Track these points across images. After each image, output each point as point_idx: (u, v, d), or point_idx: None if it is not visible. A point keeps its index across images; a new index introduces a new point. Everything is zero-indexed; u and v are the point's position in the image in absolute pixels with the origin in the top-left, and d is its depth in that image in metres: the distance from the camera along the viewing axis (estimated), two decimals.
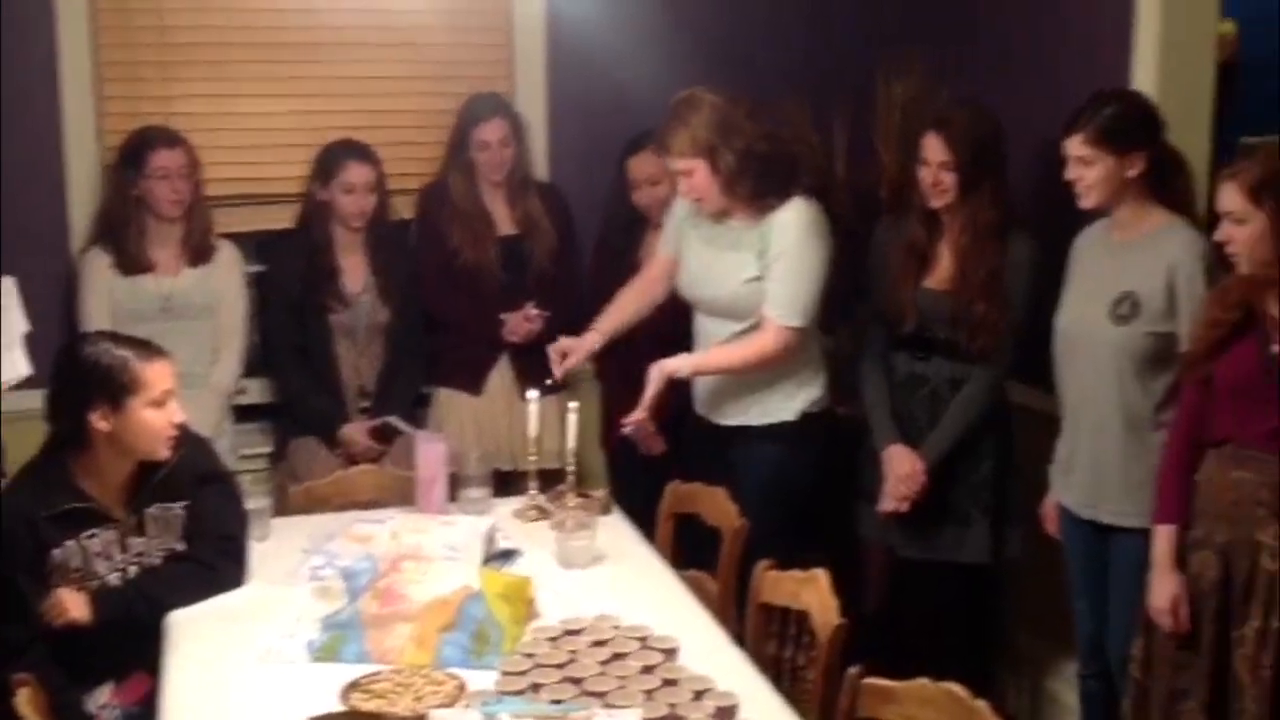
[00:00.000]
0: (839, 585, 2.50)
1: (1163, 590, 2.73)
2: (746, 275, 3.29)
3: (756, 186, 3.27)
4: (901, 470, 3.33)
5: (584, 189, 4.00)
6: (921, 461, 3.31)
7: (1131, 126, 2.90)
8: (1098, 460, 3.02)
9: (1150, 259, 2.89)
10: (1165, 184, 2.94)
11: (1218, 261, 2.75)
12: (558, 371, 3.44)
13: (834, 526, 3.56)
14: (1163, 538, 2.76)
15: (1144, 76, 3.27)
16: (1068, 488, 3.12)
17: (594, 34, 4.03)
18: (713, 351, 3.37)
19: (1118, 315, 2.91)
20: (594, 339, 3.48)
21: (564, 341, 3.46)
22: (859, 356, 3.56)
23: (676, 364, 3.32)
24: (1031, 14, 3.77)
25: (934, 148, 3.23)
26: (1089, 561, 3.11)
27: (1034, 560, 3.37)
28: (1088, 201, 2.95)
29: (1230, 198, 2.55)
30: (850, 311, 3.77)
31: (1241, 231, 2.54)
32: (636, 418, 3.29)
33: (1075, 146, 2.92)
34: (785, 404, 3.38)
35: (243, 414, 3.93)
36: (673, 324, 3.52)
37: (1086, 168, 2.92)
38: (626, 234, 3.88)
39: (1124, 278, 2.92)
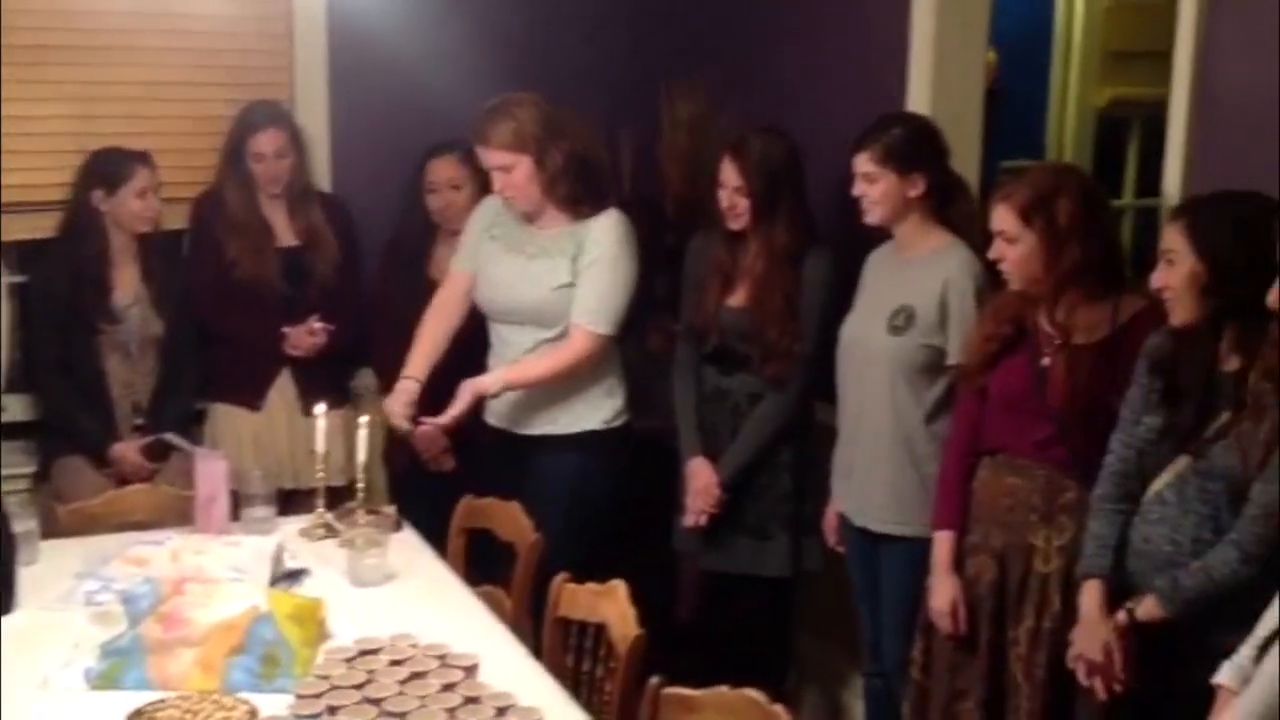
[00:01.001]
0: (654, 597, 2.52)
1: (942, 593, 2.83)
2: (558, 281, 3.30)
3: (575, 190, 3.29)
4: (699, 483, 3.38)
5: (370, 200, 3.94)
6: (718, 475, 3.36)
7: (915, 148, 3.02)
8: (870, 469, 3.11)
9: (928, 275, 3.00)
10: (946, 206, 3.06)
11: (991, 279, 2.88)
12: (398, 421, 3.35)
13: (652, 539, 3.59)
14: (942, 543, 2.86)
15: (918, 100, 3.40)
16: (844, 495, 3.22)
17: (380, 43, 3.98)
18: (522, 365, 3.35)
19: (893, 327, 3.01)
20: (410, 387, 3.37)
21: (394, 399, 3.36)
22: (653, 371, 3.60)
23: (488, 381, 3.29)
24: (812, 39, 3.87)
25: (729, 172, 3.29)
26: (864, 568, 3.21)
27: (830, 569, 3.43)
28: (871, 218, 3.05)
29: (1002, 218, 2.65)
30: (639, 326, 3.81)
31: (1013, 250, 2.65)
32: (438, 422, 3.25)
33: (862, 163, 3.02)
34: (592, 412, 3.40)
35: (4, 432, 3.72)
36: (466, 336, 3.49)
37: (871, 185, 3.02)
38: (418, 241, 3.83)
39: (903, 292, 3.02)
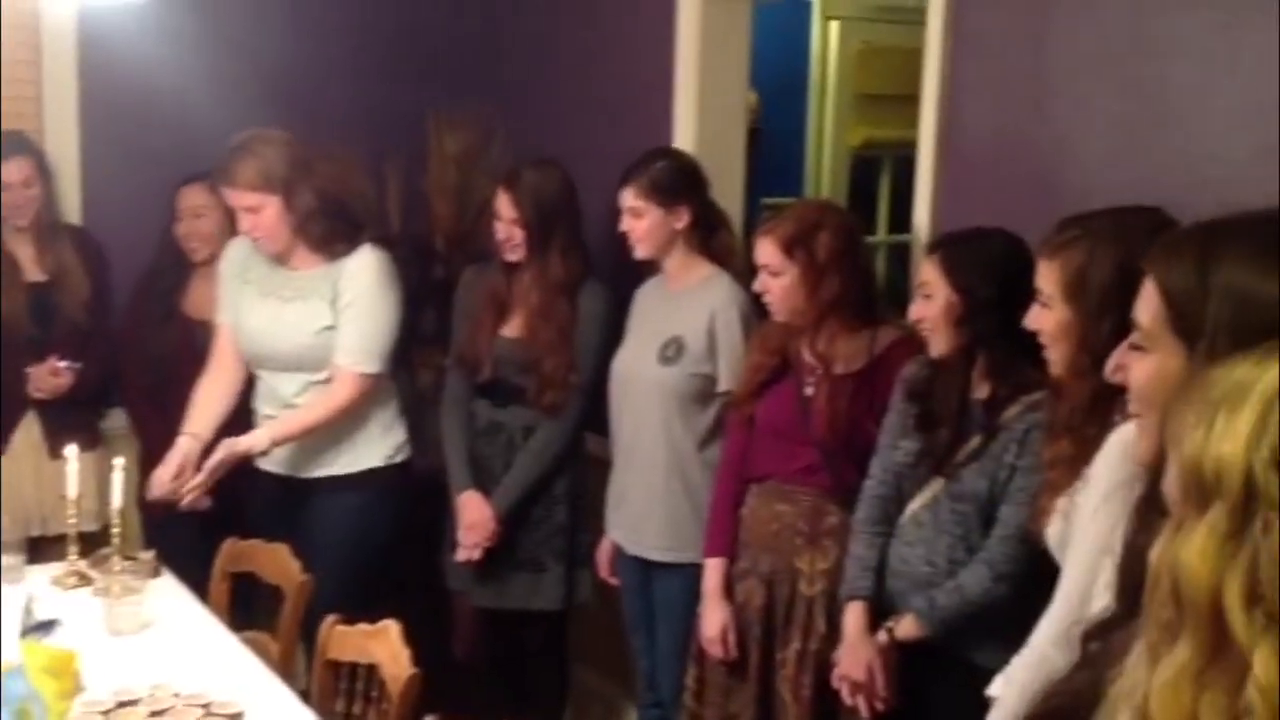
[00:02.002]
0: (431, 636, 2.48)
1: (713, 620, 2.88)
2: (318, 325, 3.23)
3: (328, 230, 3.22)
4: (472, 517, 3.34)
5: (125, 234, 3.78)
6: (490, 509, 3.34)
7: (678, 181, 3.09)
8: (644, 497, 3.15)
9: (695, 306, 3.07)
10: (709, 238, 3.14)
11: (756, 310, 2.96)
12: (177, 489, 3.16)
13: (426, 577, 3.54)
14: (713, 570, 2.92)
15: (684, 137, 3.49)
16: (618, 525, 3.25)
17: (134, 72, 3.81)
18: (288, 418, 3.25)
19: (664, 357, 3.07)
20: (187, 446, 3.20)
21: (168, 463, 3.19)
22: (423, 406, 3.55)
23: (252, 440, 3.19)
24: (581, 74, 3.92)
25: (504, 204, 3.29)
26: (640, 597, 3.24)
27: (603, 601, 3.45)
28: (641, 252, 3.11)
29: (766, 252, 2.74)
30: (408, 361, 3.76)
31: (777, 283, 2.73)
32: (194, 484, 3.13)
33: (628, 198, 3.08)
34: (372, 450, 3.35)
35: None
36: None
37: (638, 219, 3.08)
38: (172, 275, 3.70)
39: (672, 324, 3.09)
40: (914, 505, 2.50)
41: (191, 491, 3.13)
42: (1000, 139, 2.74)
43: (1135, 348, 1.43)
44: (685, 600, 3.03)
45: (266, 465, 3.31)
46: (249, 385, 3.39)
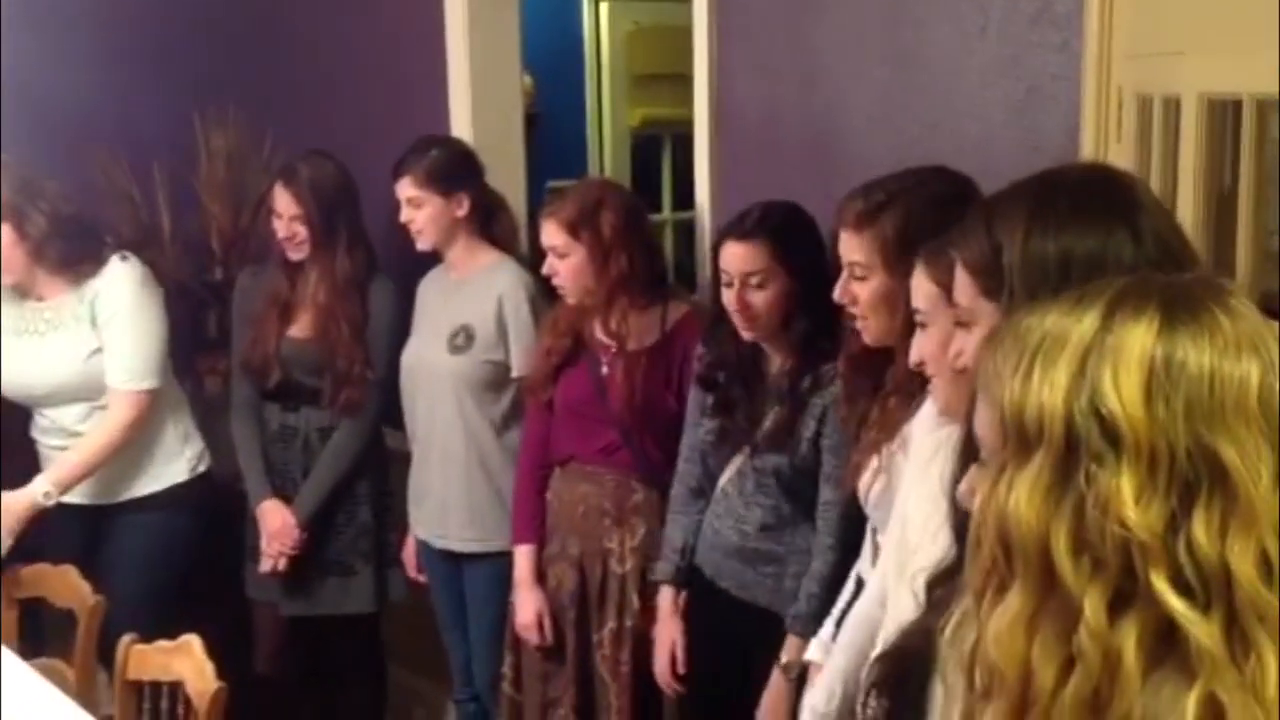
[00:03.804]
0: (235, 650, 2.41)
1: (526, 607, 2.88)
2: (85, 351, 3.09)
3: (67, 252, 3.06)
4: (273, 526, 3.26)
5: None
6: (293, 516, 3.26)
7: (454, 168, 3.07)
8: (446, 490, 3.12)
9: (481, 293, 3.05)
10: (490, 224, 3.13)
11: (544, 294, 2.97)
12: None
13: (229, 589, 3.44)
14: (522, 557, 2.92)
15: (460, 124, 3.46)
16: (421, 520, 3.22)
17: None
18: (68, 460, 3.08)
19: (454, 346, 3.04)
20: None
21: None
22: (212, 414, 3.45)
23: (34, 492, 3.01)
24: (349, 66, 3.85)
25: (283, 200, 3.21)
26: (450, 591, 3.22)
27: (412, 599, 3.40)
28: (423, 243, 3.08)
29: (552, 234, 2.75)
30: (192, 368, 3.65)
31: (565, 264, 2.75)
32: None
33: (405, 189, 3.04)
34: (169, 468, 3.23)
35: None
36: None
37: (417, 210, 3.05)
38: None
39: (460, 312, 3.06)
40: (723, 479, 2.53)
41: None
42: (772, 113, 2.80)
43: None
44: (496, 589, 3.03)
45: (69, 497, 3.14)
46: (23, 415, 3.22)
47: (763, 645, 2.43)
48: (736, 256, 2.39)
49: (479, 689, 3.20)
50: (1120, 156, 1.95)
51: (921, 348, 1.69)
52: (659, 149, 4.95)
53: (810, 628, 2.29)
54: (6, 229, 2.98)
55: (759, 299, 2.39)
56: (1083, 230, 1.38)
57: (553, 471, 2.91)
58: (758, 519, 2.46)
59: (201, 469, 3.31)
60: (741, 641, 2.51)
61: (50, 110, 3.61)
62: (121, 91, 3.84)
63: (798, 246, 2.38)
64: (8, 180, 2.98)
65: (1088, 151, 2.06)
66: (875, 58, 2.59)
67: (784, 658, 2.37)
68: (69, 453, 3.10)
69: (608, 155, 4.79)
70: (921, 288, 1.69)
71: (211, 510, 3.34)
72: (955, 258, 1.48)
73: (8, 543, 2.97)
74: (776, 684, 2.37)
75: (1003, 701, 1.02)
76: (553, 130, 4.58)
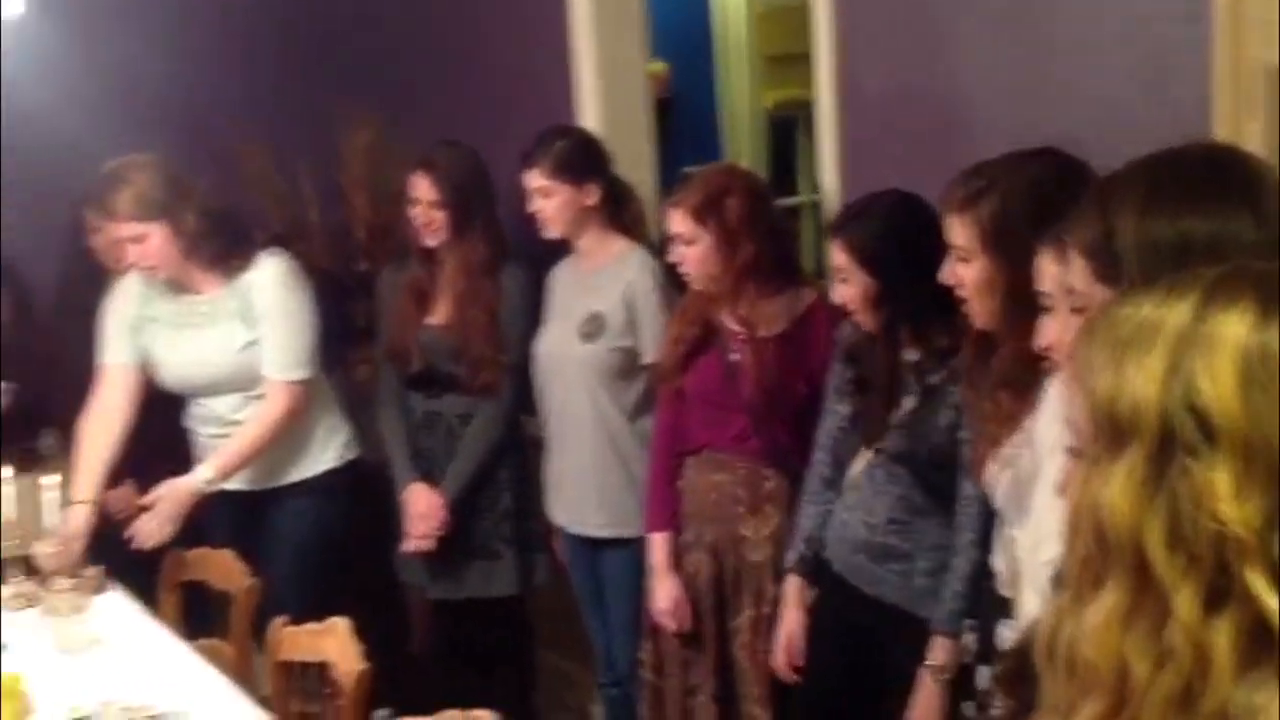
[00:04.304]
0: (388, 632, 2.49)
1: (664, 594, 2.90)
2: (239, 343, 3.19)
3: (220, 248, 3.16)
4: (419, 508, 3.34)
5: (38, 254, 3.75)
6: (439, 498, 3.33)
7: (583, 157, 3.11)
8: (580, 476, 3.16)
9: (611, 282, 3.09)
10: (619, 213, 3.16)
11: (672, 281, 2.98)
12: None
13: (379, 574, 3.54)
14: (658, 545, 2.93)
15: (588, 113, 3.50)
16: (558, 507, 3.26)
17: (36, 91, 3.77)
18: (229, 448, 3.19)
19: (585, 334, 3.08)
20: (85, 514, 3.07)
21: (56, 539, 3.05)
22: (363, 402, 3.55)
23: (197, 479, 3.13)
24: (479, 59, 3.92)
25: (422, 187, 3.28)
26: (588, 576, 3.26)
27: (559, 583, 3.45)
28: (552, 232, 3.12)
29: (678, 221, 2.75)
30: (342, 357, 3.76)
31: (691, 251, 2.75)
32: (144, 540, 3.08)
33: (534, 179, 3.08)
34: (320, 454, 3.33)
35: None
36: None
37: (546, 199, 3.09)
38: (89, 289, 3.67)
39: (590, 301, 3.10)
40: (854, 469, 2.51)
41: (147, 538, 3.08)
42: (898, 92, 2.77)
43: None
44: (633, 576, 3.05)
45: (224, 484, 3.27)
46: (178, 405, 3.35)
47: (893, 642, 2.41)
48: (832, 251, 2.44)
49: (621, 674, 3.23)
50: (1254, 132, 1.90)
51: (1047, 332, 1.67)
52: (794, 131, 4.92)
53: (957, 627, 2.25)
54: (161, 227, 3.08)
55: (842, 293, 2.43)
56: (1202, 213, 1.35)
57: (685, 460, 2.92)
58: (886, 512, 2.43)
59: (350, 456, 3.41)
60: (870, 637, 2.49)
61: (201, 112, 3.77)
62: (268, 92, 3.99)
63: (873, 242, 2.38)
64: (160, 180, 3.08)
65: (1221, 127, 2.00)
66: (1002, 34, 2.54)
67: (932, 660, 2.30)
68: (229, 441, 3.21)
69: (743, 138, 4.78)
70: (1047, 271, 1.66)
71: (361, 496, 3.44)
72: (1069, 241, 1.46)
73: (173, 528, 3.10)
74: (927, 688, 2.30)
75: (1098, 698, 1.00)
76: (687, 115, 4.59)
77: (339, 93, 3.92)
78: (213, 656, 2.74)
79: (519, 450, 3.43)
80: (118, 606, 2.95)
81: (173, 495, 3.11)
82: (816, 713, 2.65)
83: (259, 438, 3.20)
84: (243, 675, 2.73)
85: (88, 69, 3.84)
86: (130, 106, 3.81)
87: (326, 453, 3.35)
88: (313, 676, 2.59)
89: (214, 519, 3.30)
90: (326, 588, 3.19)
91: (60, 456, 3.72)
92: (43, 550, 2.97)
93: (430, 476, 3.38)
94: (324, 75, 4.01)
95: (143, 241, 3.08)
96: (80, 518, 3.05)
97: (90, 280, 3.68)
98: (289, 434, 3.27)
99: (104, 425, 3.19)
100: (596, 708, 3.72)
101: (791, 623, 2.66)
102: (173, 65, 3.95)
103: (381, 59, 4.08)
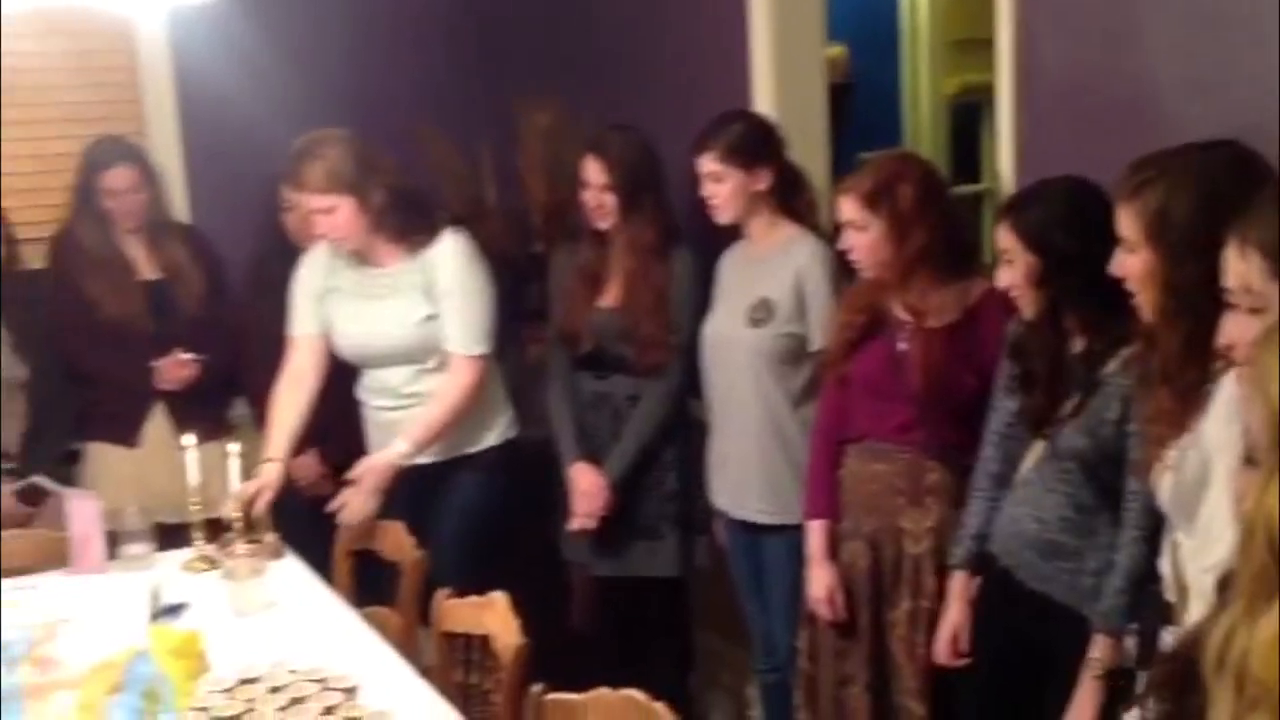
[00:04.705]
0: (549, 608, 2.52)
1: (819, 582, 2.88)
2: (418, 316, 3.27)
3: (404, 222, 3.25)
4: (583, 486, 3.38)
5: (232, 228, 3.90)
6: (604, 477, 3.37)
7: (755, 142, 3.09)
8: (743, 461, 3.16)
9: (781, 267, 3.07)
10: (791, 199, 3.13)
11: (841, 268, 2.95)
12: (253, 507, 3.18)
13: (542, 550, 3.60)
14: (815, 533, 2.91)
15: (762, 99, 3.47)
16: (720, 490, 3.26)
17: (227, 72, 3.94)
18: (422, 421, 3.26)
19: (753, 319, 3.07)
20: (276, 469, 3.24)
21: (247, 487, 3.23)
22: (533, 380, 3.61)
23: (394, 454, 3.22)
24: (654, 43, 3.93)
25: (593, 170, 3.31)
26: (747, 561, 3.26)
27: (721, 564, 3.45)
28: (723, 216, 3.12)
29: (848, 208, 2.72)
30: (516, 336, 3.82)
31: (861, 239, 2.71)
32: (347, 519, 3.20)
33: (706, 164, 3.08)
34: (483, 431, 3.40)
35: None
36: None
37: (717, 184, 3.08)
38: (280, 264, 3.80)
39: (759, 286, 3.09)
40: (1024, 465, 2.46)
41: (353, 513, 3.18)
42: (1080, 78, 2.67)
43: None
44: (792, 562, 3.04)
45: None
46: (349, 377, 3.45)
47: (1060, 641, 2.35)
48: (999, 235, 2.38)
49: (778, 660, 3.23)
50: None
51: (1229, 331, 1.60)
52: (977, 117, 4.81)
53: (1118, 625, 2.21)
54: (350, 200, 3.18)
55: (1006, 276, 2.38)
56: None
57: (846, 448, 2.89)
58: (1057, 509, 2.37)
59: (511, 435, 3.47)
60: (1037, 635, 2.43)
61: (384, 95, 3.87)
62: (450, 74, 4.08)
63: (1040, 223, 2.33)
64: (351, 156, 3.18)
65: None
66: (1190, 21, 2.43)
67: (1093, 658, 2.26)
68: (421, 415, 3.28)
69: (924, 124, 4.68)
70: (1232, 267, 1.60)
71: (525, 474, 3.49)
72: (1247, 238, 1.40)
73: (376, 502, 3.19)
74: (1088, 686, 2.26)
75: (1265, 712, 0.96)
76: (866, 100, 4.52)
77: (520, 76, 3.98)
78: (380, 625, 2.81)
79: (685, 431, 3.44)
80: (293, 572, 3.05)
81: (374, 470, 3.20)
82: (980, 710, 2.60)
83: (449, 411, 3.28)
84: (408, 645, 2.79)
85: (274, 53, 3.98)
86: (315, 89, 3.94)
87: (491, 430, 3.42)
88: (476, 649, 2.64)
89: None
90: (488, 562, 3.25)
91: (247, 426, 3.88)
92: (228, 507, 3.12)
93: (596, 456, 3.41)
94: (506, 58, 4.07)
95: (331, 213, 3.19)
96: (272, 473, 3.21)
97: (280, 257, 3.82)
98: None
99: (294, 391, 3.34)
100: (752, 691, 3.72)
101: (956, 618, 2.62)
102: (357, 48, 4.07)
103: (562, 43, 4.12)
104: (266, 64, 3.95)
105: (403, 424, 3.31)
